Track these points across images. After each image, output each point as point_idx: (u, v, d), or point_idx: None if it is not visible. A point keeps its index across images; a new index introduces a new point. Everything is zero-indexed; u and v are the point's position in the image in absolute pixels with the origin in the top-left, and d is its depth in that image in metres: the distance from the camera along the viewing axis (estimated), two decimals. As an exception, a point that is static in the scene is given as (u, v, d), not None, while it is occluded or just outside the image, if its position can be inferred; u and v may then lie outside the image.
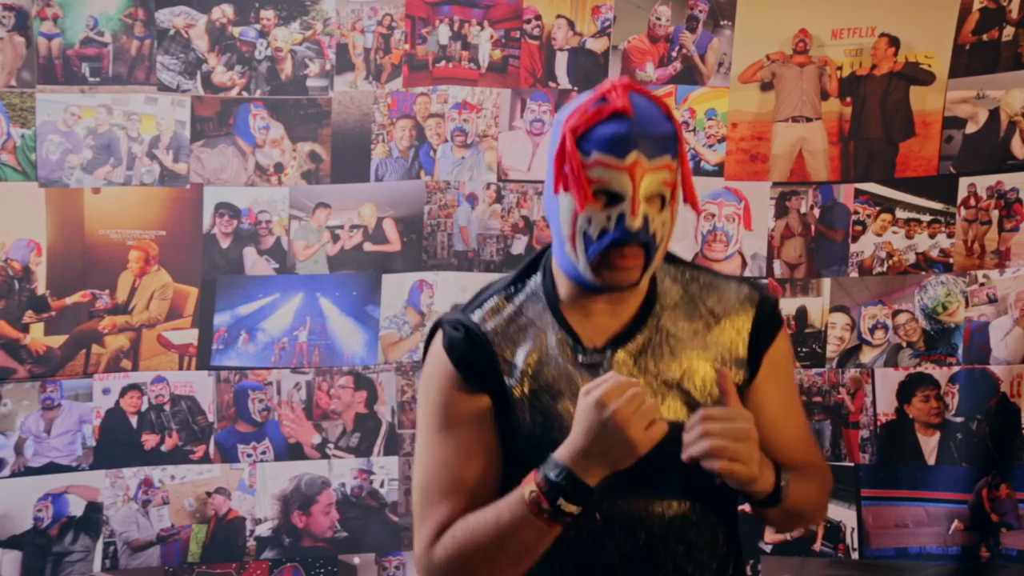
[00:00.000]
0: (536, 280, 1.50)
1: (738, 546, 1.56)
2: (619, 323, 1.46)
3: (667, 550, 1.44)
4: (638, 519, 1.43)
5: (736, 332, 1.48)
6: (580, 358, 1.44)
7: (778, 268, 2.83)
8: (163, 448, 2.79)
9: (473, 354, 1.45)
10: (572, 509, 1.32)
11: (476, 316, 1.48)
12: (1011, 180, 2.73)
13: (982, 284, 2.74)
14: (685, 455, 1.35)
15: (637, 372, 1.43)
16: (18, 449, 2.72)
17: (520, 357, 1.45)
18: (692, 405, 1.43)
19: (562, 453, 1.33)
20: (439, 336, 1.48)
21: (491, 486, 1.43)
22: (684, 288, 1.51)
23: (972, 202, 2.75)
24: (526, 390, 1.44)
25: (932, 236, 2.78)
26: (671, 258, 1.55)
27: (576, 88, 2.84)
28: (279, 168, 2.85)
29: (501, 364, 1.45)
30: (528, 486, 1.33)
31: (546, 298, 1.47)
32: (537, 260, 1.53)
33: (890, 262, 2.80)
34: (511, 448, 1.45)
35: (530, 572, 1.41)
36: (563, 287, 1.47)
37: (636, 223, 1.34)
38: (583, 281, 1.41)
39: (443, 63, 2.86)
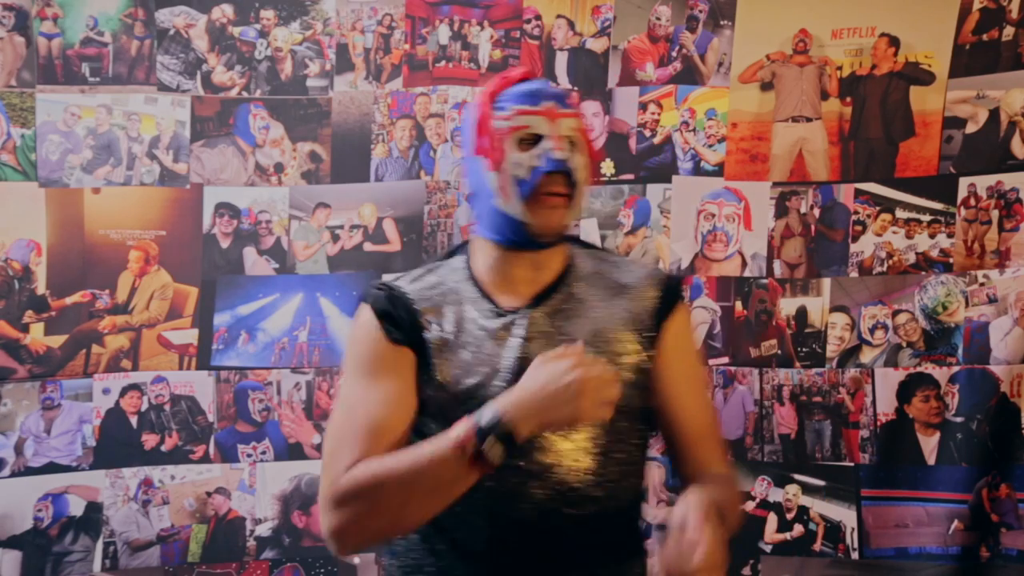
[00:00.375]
0: (457, 260, 1.62)
1: (641, 514, 1.62)
2: (537, 288, 1.57)
3: (580, 509, 1.49)
4: (554, 476, 1.48)
5: (642, 304, 1.59)
6: (497, 320, 1.53)
7: (778, 268, 2.83)
8: (163, 448, 2.79)
9: (395, 309, 1.54)
10: (495, 456, 1.36)
11: (399, 283, 1.59)
12: (1011, 180, 2.73)
13: (982, 284, 2.74)
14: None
15: (551, 330, 1.53)
16: (18, 449, 2.72)
17: (439, 317, 1.54)
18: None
19: (501, 402, 1.38)
20: (363, 302, 1.58)
21: (403, 438, 1.48)
22: (596, 264, 1.63)
23: (972, 202, 2.75)
24: (444, 348, 1.52)
25: (932, 236, 2.78)
26: (585, 244, 1.69)
27: (576, 88, 2.84)
28: (279, 168, 2.85)
29: (422, 321, 1.53)
30: (458, 427, 1.38)
31: (467, 272, 1.59)
32: (456, 249, 1.66)
33: (890, 262, 2.80)
34: (426, 403, 1.51)
35: (445, 519, 1.44)
36: (486, 259, 1.58)
37: (561, 153, 1.50)
38: (515, 231, 1.53)
39: (443, 63, 2.87)
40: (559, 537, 1.49)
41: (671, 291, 1.61)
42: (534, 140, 1.52)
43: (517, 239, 1.54)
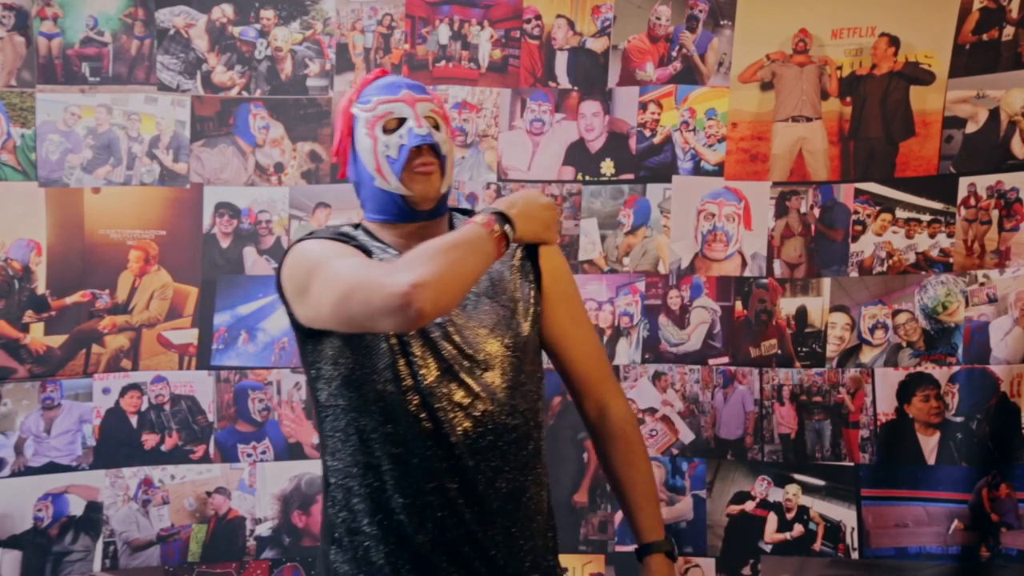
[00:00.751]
0: (361, 234, 1.79)
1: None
2: None
3: (500, 437, 1.71)
4: (477, 408, 1.70)
5: (514, 254, 1.82)
6: None
7: (778, 268, 2.83)
8: (163, 448, 2.79)
9: (347, 240, 1.73)
10: (509, 235, 1.62)
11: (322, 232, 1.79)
12: (1011, 180, 2.73)
13: (982, 284, 2.74)
14: None
15: None
16: (18, 449, 2.72)
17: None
18: (499, 310, 1.76)
19: (501, 204, 1.65)
20: (304, 242, 1.74)
21: None
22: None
23: (972, 202, 2.75)
24: None
25: (932, 236, 2.78)
26: (462, 211, 1.89)
27: (576, 88, 2.84)
28: (279, 168, 2.85)
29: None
30: (477, 217, 1.62)
31: (368, 236, 1.78)
32: (351, 228, 1.82)
33: (890, 262, 2.80)
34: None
35: (386, 454, 1.68)
36: (377, 230, 1.78)
37: (422, 130, 1.72)
38: (398, 205, 1.74)
39: (443, 63, 2.87)
40: (485, 457, 1.69)
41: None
42: (399, 124, 1.73)
43: (402, 212, 1.74)
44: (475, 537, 1.69)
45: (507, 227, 1.61)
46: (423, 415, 1.68)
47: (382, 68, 1.87)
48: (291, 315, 1.77)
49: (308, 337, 1.75)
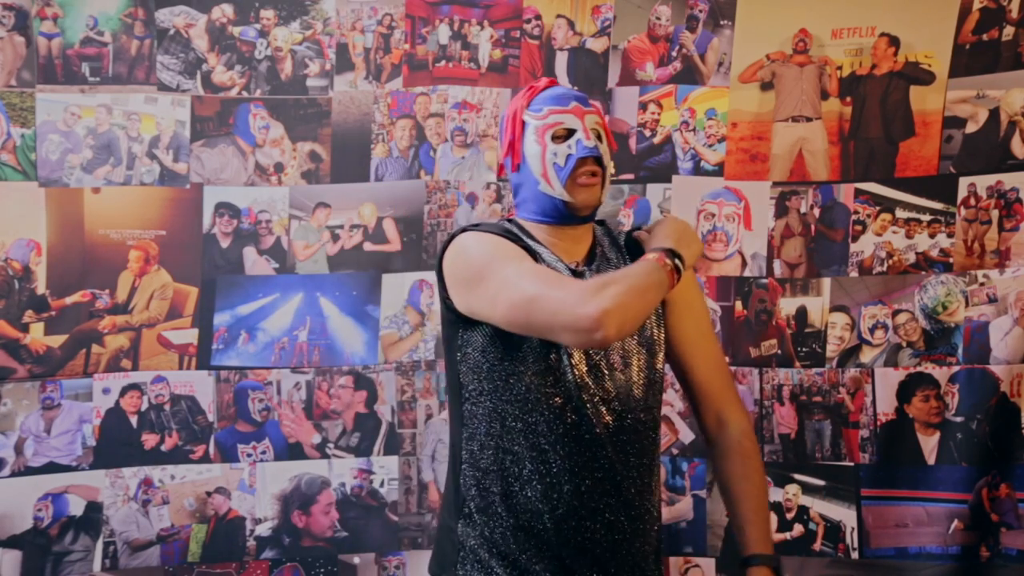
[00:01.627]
0: (514, 227, 1.90)
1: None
2: (579, 255, 1.91)
3: (633, 432, 1.82)
4: (618, 402, 1.81)
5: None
6: (568, 273, 1.85)
7: (778, 268, 2.83)
8: (163, 448, 2.79)
9: (510, 236, 1.84)
10: (680, 269, 1.75)
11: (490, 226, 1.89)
12: (1011, 180, 2.73)
13: (982, 284, 2.74)
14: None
15: None
16: (18, 449, 2.72)
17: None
18: None
19: (662, 241, 1.79)
20: (468, 234, 1.85)
21: None
22: (606, 232, 2.00)
23: (972, 202, 2.75)
24: None
25: (932, 236, 2.78)
26: (601, 223, 2.01)
27: (576, 88, 2.84)
28: (279, 168, 2.85)
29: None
30: (649, 255, 1.75)
31: (529, 236, 1.89)
32: (504, 223, 1.93)
33: (890, 262, 2.80)
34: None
35: (529, 441, 1.78)
36: (534, 230, 1.90)
37: (590, 142, 1.84)
38: (559, 209, 1.86)
39: (443, 63, 2.87)
40: (623, 451, 1.81)
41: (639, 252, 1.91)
42: (567, 135, 1.85)
43: (562, 216, 1.87)
44: (607, 525, 1.79)
45: (677, 261, 1.75)
46: (568, 408, 1.79)
47: (551, 79, 1.97)
48: (445, 300, 1.86)
49: (461, 323, 1.84)
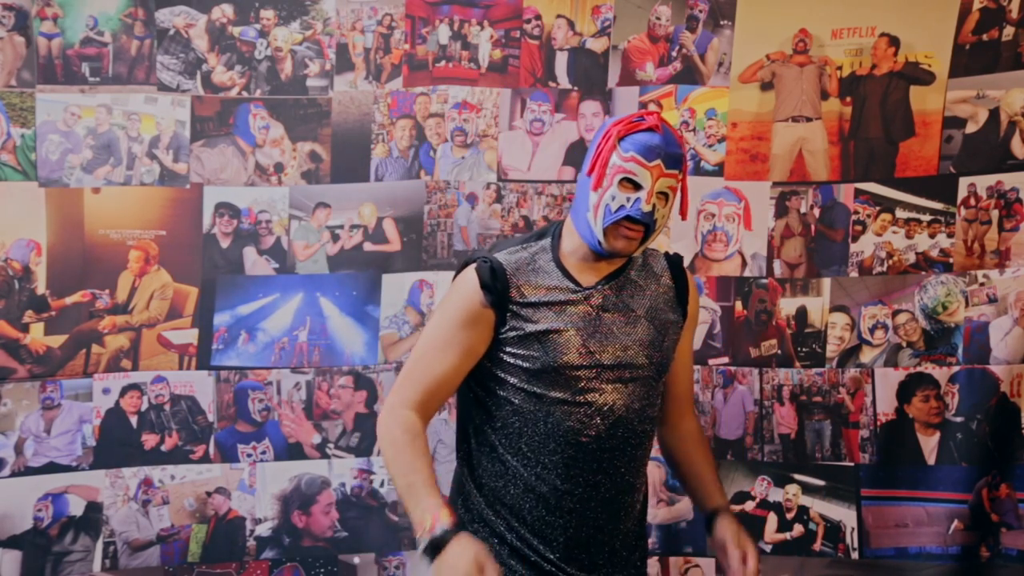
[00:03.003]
0: (546, 242, 2.03)
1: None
2: (607, 272, 2.02)
3: (629, 442, 1.98)
4: (614, 414, 1.97)
5: (669, 287, 2.09)
6: (576, 294, 1.98)
7: (778, 268, 2.83)
8: (163, 448, 2.79)
9: (493, 280, 1.96)
10: (427, 552, 1.76)
11: (499, 256, 2.00)
12: (1011, 180, 2.73)
13: (982, 284, 2.75)
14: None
15: (619, 302, 2.00)
16: (18, 449, 2.72)
17: (530, 288, 1.97)
18: (653, 332, 2.02)
19: (428, 537, 1.78)
20: (471, 267, 1.99)
21: (456, 378, 1.98)
22: (642, 255, 2.09)
23: (972, 202, 2.75)
24: (531, 311, 1.96)
25: (932, 236, 2.78)
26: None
27: (576, 88, 2.84)
28: (279, 168, 2.85)
29: (513, 291, 1.96)
30: (429, 515, 1.78)
31: (553, 254, 2.01)
32: (547, 230, 2.06)
33: (890, 262, 2.80)
34: (505, 341, 1.96)
35: (526, 446, 1.96)
36: (570, 244, 2.01)
37: (647, 207, 1.91)
38: (593, 244, 1.96)
39: (443, 63, 2.86)
40: (612, 456, 1.96)
41: (680, 273, 2.10)
42: (634, 188, 1.91)
43: (594, 248, 1.97)
44: (599, 526, 1.98)
45: (427, 547, 1.75)
46: (567, 421, 1.95)
47: (660, 117, 1.96)
48: None
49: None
